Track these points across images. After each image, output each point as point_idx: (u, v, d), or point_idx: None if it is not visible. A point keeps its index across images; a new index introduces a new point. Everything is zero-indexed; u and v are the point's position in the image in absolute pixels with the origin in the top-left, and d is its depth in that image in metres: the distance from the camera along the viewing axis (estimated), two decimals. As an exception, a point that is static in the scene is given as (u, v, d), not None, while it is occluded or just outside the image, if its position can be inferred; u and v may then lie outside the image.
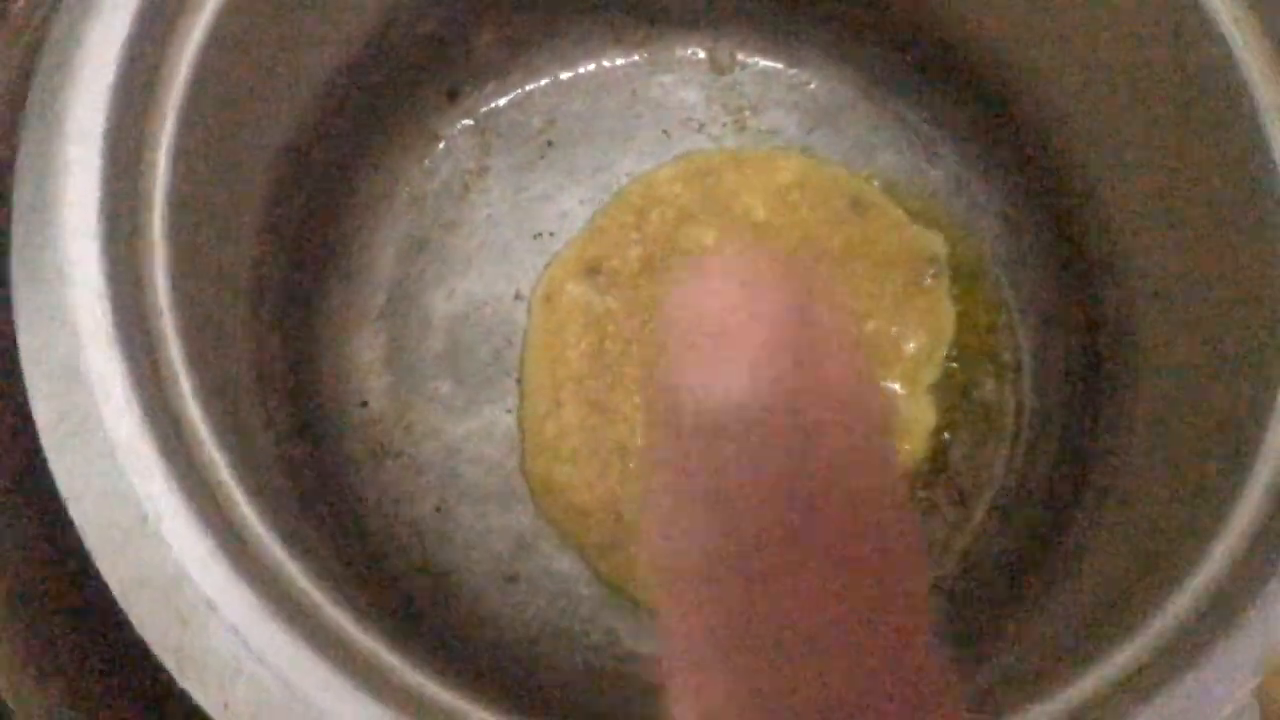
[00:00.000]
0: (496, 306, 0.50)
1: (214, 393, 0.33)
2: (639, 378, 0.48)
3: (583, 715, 0.43)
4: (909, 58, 0.51)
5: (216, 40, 0.37)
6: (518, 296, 0.50)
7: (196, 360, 0.33)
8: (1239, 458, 0.35)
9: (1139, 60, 0.42)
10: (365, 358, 0.48)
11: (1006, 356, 0.49)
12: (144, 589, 0.29)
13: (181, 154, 0.35)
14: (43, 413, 0.30)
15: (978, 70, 0.49)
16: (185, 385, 0.32)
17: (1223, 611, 0.32)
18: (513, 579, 0.46)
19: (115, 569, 0.29)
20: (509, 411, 0.48)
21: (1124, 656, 0.32)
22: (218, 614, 0.29)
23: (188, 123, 0.36)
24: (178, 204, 0.35)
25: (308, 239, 0.46)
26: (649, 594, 0.46)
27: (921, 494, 0.47)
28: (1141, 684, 0.32)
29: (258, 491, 0.32)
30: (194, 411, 0.32)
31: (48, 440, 0.30)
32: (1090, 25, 0.43)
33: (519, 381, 0.49)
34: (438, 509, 0.47)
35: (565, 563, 0.47)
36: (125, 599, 0.29)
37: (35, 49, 0.36)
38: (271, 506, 0.33)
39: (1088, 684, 0.32)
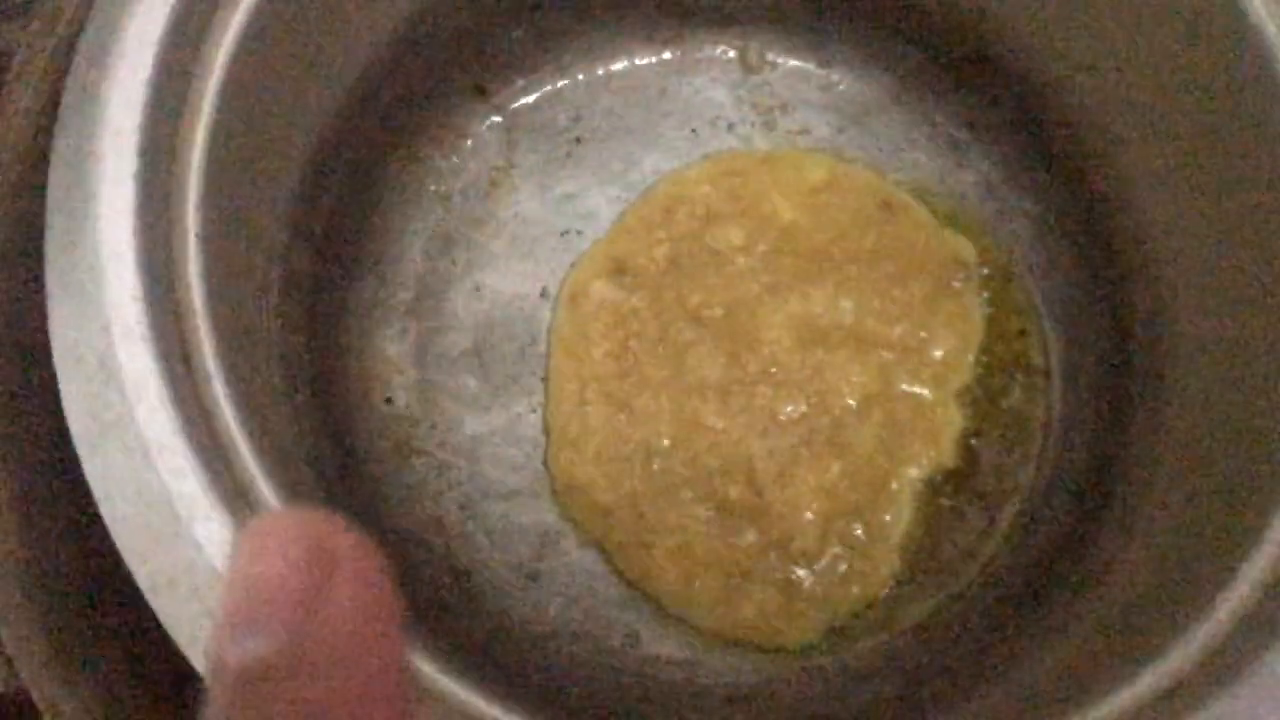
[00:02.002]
0: (523, 304, 0.49)
1: (245, 393, 0.33)
2: (664, 378, 0.48)
3: (602, 716, 0.43)
4: (940, 60, 0.51)
5: (250, 36, 0.37)
6: (544, 294, 0.50)
7: (228, 360, 0.33)
8: (1271, 475, 0.35)
9: (1176, 64, 0.41)
10: (391, 354, 0.48)
11: (1036, 362, 0.49)
12: (174, 589, 0.29)
13: (214, 151, 0.35)
14: (75, 412, 0.30)
15: (1010, 73, 0.49)
16: (218, 386, 0.32)
17: (1257, 632, 0.32)
18: (534, 577, 0.46)
19: (145, 568, 0.29)
20: (534, 410, 0.48)
21: (1153, 676, 0.32)
22: (249, 616, 0.29)
23: (221, 120, 0.35)
24: (211, 200, 0.35)
25: (335, 236, 0.45)
26: (670, 596, 0.46)
27: (948, 501, 0.47)
28: (1173, 705, 0.31)
29: (289, 493, 0.32)
30: (227, 412, 0.32)
31: (80, 439, 0.30)
32: (1125, 27, 0.43)
33: (544, 380, 0.49)
34: (461, 507, 0.47)
35: (588, 561, 0.47)
36: (155, 598, 0.29)
37: (70, 42, 0.36)
38: (303, 506, 0.33)
39: (1115, 705, 0.32)
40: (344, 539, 0.19)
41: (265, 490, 0.31)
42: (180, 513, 0.29)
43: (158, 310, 0.31)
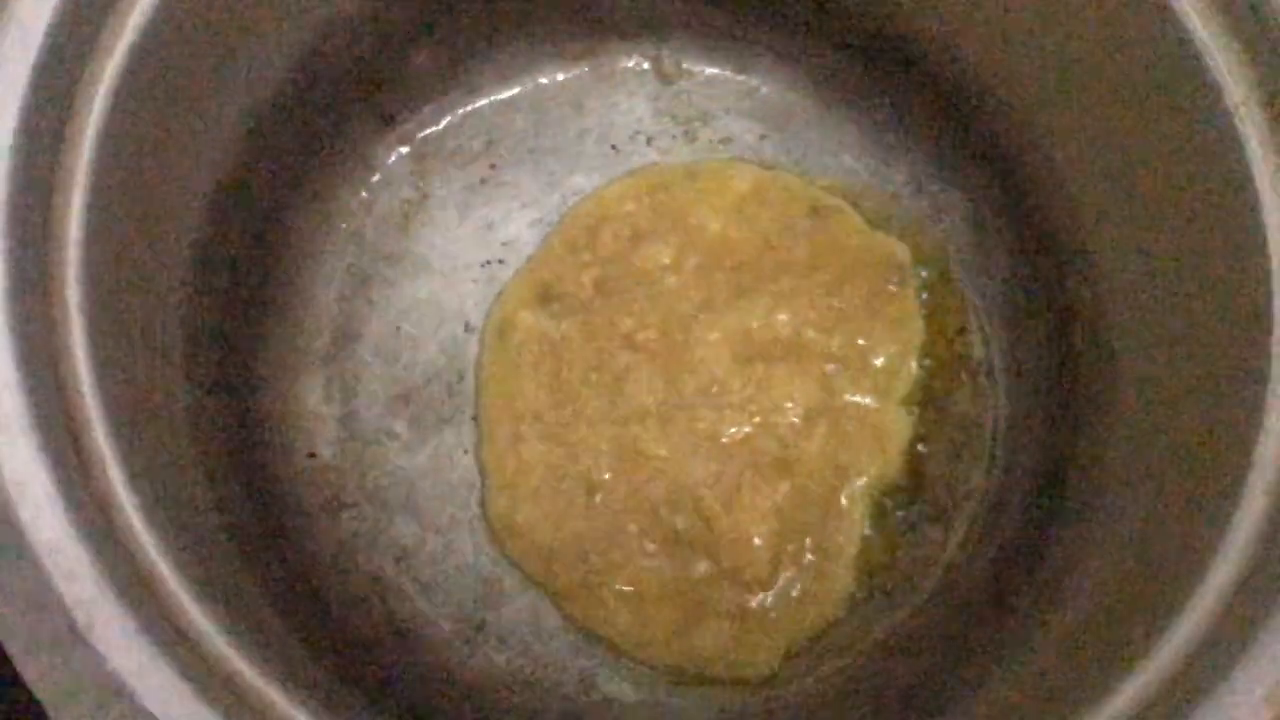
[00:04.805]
0: (447, 341, 0.47)
1: (147, 471, 0.31)
2: (601, 408, 0.46)
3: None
4: (860, 58, 0.49)
5: (127, 84, 0.34)
6: (469, 329, 0.47)
7: (125, 437, 0.31)
8: (1232, 466, 0.34)
9: (1100, 49, 0.40)
10: (310, 405, 0.46)
11: (979, 361, 0.48)
12: (76, 703, 0.27)
13: (95, 214, 0.32)
14: (-46, 517, 0.27)
15: (932, 66, 0.47)
16: (113, 469, 0.30)
17: (1229, 638, 0.30)
18: (479, 628, 0.44)
19: (44, 682, 0.27)
20: (467, 451, 0.46)
21: (1126, 694, 0.31)
22: (163, 726, 0.26)
23: (100, 178, 0.33)
24: (95, 268, 0.32)
25: (241, 285, 0.43)
26: (623, 636, 0.44)
27: (900, 512, 0.45)
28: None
29: (202, 578, 0.30)
30: (125, 499, 0.29)
31: (-38, 546, 0.27)
32: (1047, 14, 0.42)
33: (475, 419, 0.47)
34: (397, 560, 0.44)
35: (534, 606, 0.45)
36: (57, 714, 0.27)
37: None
38: (219, 592, 0.30)
39: None
40: None
41: (173, 582, 0.29)
42: (77, 618, 0.27)
43: (39, 396, 0.29)
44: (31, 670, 0.27)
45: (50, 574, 0.27)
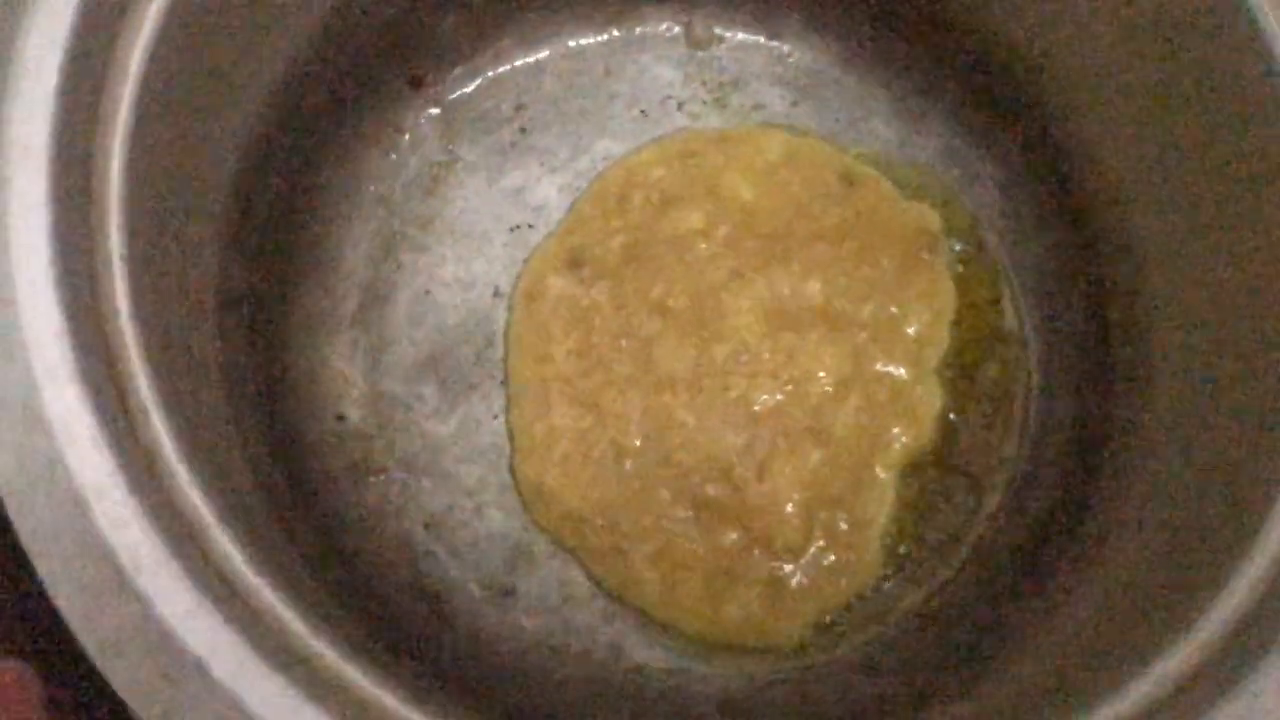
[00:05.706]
0: (476, 306, 0.47)
1: (187, 424, 0.31)
2: (630, 374, 0.45)
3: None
4: (893, 24, 0.49)
5: (164, 39, 0.34)
6: (497, 293, 0.47)
7: (166, 390, 0.30)
8: (1274, 438, 0.34)
9: (1139, 12, 0.40)
10: (340, 368, 0.45)
11: (1011, 331, 0.47)
12: (124, 649, 0.26)
13: (135, 164, 0.32)
14: (1, 463, 0.27)
15: (965, 34, 0.47)
16: (157, 420, 0.29)
17: (1274, 613, 0.30)
18: (509, 593, 0.44)
19: (91, 629, 0.26)
20: (496, 416, 0.46)
21: (1164, 669, 0.30)
22: (209, 673, 0.26)
23: (139, 130, 0.32)
24: (135, 218, 0.32)
25: (272, 246, 0.43)
26: (653, 603, 0.44)
27: (932, 482, 0.45)
28: (1187, 700, 0.29)
29: (244, 530, 0.29)
30: (169, 448, 0.29)
31: (8, 493, 0.27)
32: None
33: (504, 384, 0.46)
34: (426, 525, 0.44)
35: (563, 572, 0.44)
36: (104, 661, 0.26)
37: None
38: (259, 545, 0.30)
39: (1127, 699, 0.30)
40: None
41: (219, 530, 0.29)
42: (125, 564, 0.26)
43: (84, 344, 0.28)
44: (78, 617, 0.26)
45: (98, 520, 0.27)
